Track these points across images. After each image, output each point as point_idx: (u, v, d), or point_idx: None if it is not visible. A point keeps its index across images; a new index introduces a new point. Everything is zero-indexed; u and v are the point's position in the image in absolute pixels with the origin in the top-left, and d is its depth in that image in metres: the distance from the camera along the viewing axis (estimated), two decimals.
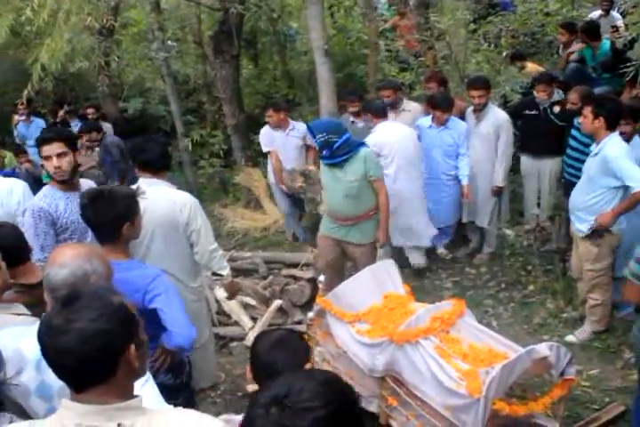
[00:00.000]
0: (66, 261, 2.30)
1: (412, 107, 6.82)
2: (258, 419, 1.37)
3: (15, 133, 9.80)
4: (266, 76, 12.47)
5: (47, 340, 1.66)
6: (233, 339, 5.68)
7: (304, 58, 12.09)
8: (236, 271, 6.42)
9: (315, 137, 5.03)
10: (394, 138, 5.95)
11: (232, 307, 5.82)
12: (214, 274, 5.22)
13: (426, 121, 6.45)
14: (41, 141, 3.75)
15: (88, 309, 1.67)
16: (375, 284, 4.49)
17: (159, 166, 4.02)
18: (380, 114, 6.04)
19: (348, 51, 11.71)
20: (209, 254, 4.13)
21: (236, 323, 5.80)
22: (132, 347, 1.71)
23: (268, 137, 7.34)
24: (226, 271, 4.34)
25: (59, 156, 3.68)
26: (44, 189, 3.78)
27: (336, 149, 4.97)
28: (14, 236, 2.93)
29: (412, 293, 4.53)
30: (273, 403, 1.37)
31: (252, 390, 4.65)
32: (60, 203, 3.71)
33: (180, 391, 3.47)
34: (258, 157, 9.03)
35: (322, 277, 4.86)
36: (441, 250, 6.98)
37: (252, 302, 5.94)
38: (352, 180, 5.08)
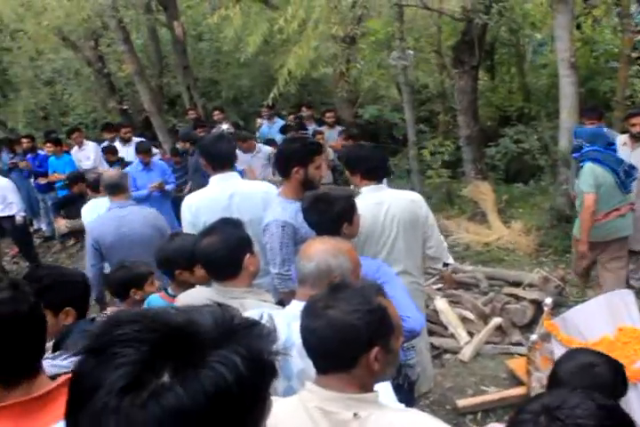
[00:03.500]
0: (314, 255, 2.39)
1: None
2: (524, 424, 1.35)
3: (257, 134, 10.50)
4: (501, 89, 12.19)
5: (304, 318, 1.78)
6: (447, 351, 5.60)
7: (543, 71, 11.65)
8: (456, 284, 6.33)
9: (575, 138, 5.58)
10: None
11: (450, 319, 5.74)
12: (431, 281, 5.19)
13: None
14: (316, 152, 3.72)
15: (347, 301, 1.74)
16: (609, 313, 4.18)
17: (382, 174, 4.06)
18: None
19: (592, 64, 11.08)
20: (441, 246, 4.21)
21: (452, 335, 5.70)
22: (376, 349, 1.73)
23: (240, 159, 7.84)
24: (452, 260, 4.47)
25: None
26: (280, 202, 3.67)
27: (581, 154, 5.36)
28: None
29: None
30: (543, 412, 1.35)
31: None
32: (299, 214, 3.69)
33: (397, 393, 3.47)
34: (489, 171, 8.85)
35: (548, 300, 4.66)
36: None
37: (471, 316, 5.81)
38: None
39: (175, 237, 3.46)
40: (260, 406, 0.92)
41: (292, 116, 10.70)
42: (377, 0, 9.50)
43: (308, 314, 1.78)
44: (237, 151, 7.93)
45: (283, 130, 10.15)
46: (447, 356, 5.56)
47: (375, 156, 4.04)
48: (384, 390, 1.95)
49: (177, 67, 12.51)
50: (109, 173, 5.28)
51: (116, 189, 4.77)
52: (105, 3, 10.08)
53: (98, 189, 5.81)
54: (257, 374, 0.88)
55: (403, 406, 2.06)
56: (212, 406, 0.81)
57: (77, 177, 8.02)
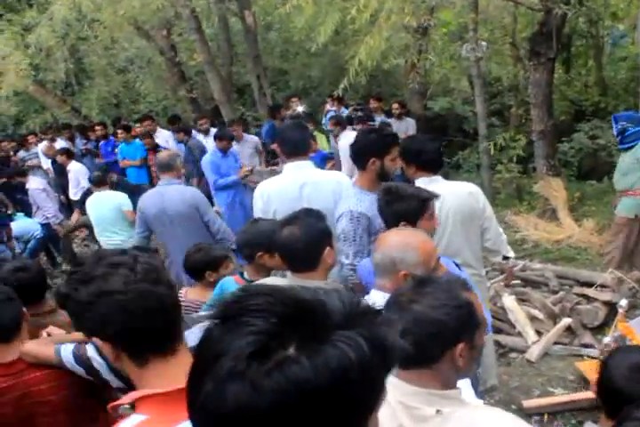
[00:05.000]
0: (383, 247, 2.38)
1: None
2: None
3: (323, 121, 10.51)
4: (577, 82, 11.83)
5: (388, 312, 1.73)
6: (513, 350, 5.47)
7: (623, 64, 11.25)
8: (525, 282, 6.19)
9: (616, 123, 5.99)
10: None
11: (518, 317, 5.61)
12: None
13: None
14: (392, 143, 3.68)
15: (433, 296, 1.71)
16: None
17: (437, 166, 3.97)
18: None
19: None
20: (499, 239, 4.10)
21: (519, 334, 5.58)
22: (461, 346, 1.70)
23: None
24: (512, 254, 4.31)
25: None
26: (355, 192, 3.67)
27: (627, 135, 5.86)
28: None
29: None
30: None
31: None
32: (374, 205, 3.60)
33: None
34: (561, 167, 8.62)
35: (623, 302, 4.50)
36: None
37: (540, 315, 5.66)
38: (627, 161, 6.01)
39: (258, 221, 3.48)
40: (375, 395, 0.92)
41: (351, 108, 10.67)
42: None
43: (392, 308, 1.74)
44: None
45: (349, 120, 10.11)
46: (513, 355, 5.43)
47: (430, 147, 3.94)
48: (463, 386, 1.90)
49: (247, 56, 12.61)
50: (163, 152, 5.87)
51: (166, 167, 5.26)
52: None
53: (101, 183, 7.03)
54: (379, 361, 0.88)
55: (482, 402, 2.00)
56: (333, 384, 0.83)
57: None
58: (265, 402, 0.80)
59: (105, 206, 6.95)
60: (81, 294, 1.49)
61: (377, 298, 1.96)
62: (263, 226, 3.32)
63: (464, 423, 1.62)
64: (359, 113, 10.30)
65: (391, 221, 3.03)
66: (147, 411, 1.42)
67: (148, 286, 1.49)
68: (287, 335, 0.83)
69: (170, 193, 5.15)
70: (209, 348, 0.87)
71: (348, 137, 7.00)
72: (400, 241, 2.43)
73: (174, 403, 1.32)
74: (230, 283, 3.43)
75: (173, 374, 1.43)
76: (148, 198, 5.24)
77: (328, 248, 2.75)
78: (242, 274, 3.46)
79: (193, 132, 9.87)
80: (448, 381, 1.74)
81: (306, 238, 2.69)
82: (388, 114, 9.92)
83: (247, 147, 8.97)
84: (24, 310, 2.72)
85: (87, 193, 8.39)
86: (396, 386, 1.72)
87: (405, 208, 3.02)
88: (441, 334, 1.67)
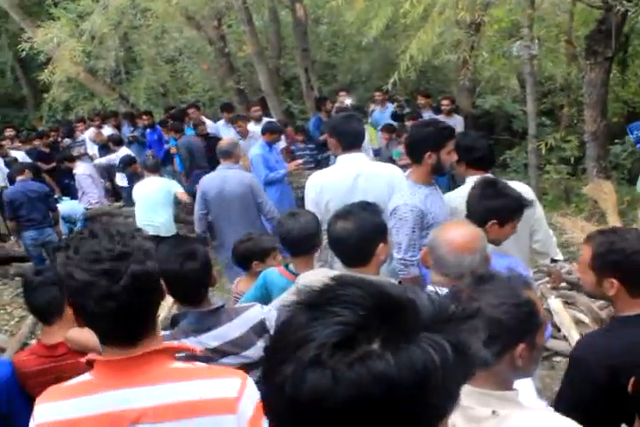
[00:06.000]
0: (451, 242, 2.36)
1: None
2: None
3: (369, 119, 10.45)
4: (632, 83, 11.54)
5: None
6: (558, 353, 5.37)
7: None
8: (571, 285, 6.06)
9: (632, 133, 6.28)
10: None
11: (564, 320, 5.50)
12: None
13: None
14: (449, 137, 3.58)
15: (494, 293, 1.64)
16: None
17: (489, 164, 3.90)
18: None
19: None
20: (549, 241, 4.00)
21: (564, 338, 5.47)
22: (522, 346, 1.64)
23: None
24: (560, 256, 4.22)
25: None
26: (410, 186, 3.57)
27: None
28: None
29: None
30: None
31: None
32: (428, 199, 3.58)
33: None
34: (612, 170, 8.42)
35: None
36: None
37: (585, 319, 5.55)
38: None
39: (296, 215, 3.42)
40: (450, 402, 0.89)
41: (395, 104, 10.58)
42: None
43: None
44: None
45: (394, 117, 10.04)
46: (558, 358, 5.34)
47: (482, 144, 3.86)
48: (526, 387, 1.84)
49: (296, 49, 12.59)
50: (223, 140, 6.49)
51: (226, 154, 5.92)
52: None
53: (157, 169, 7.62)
54: (460, 368, 0.88)
55: (544, 404, 1.92)
56: (414, 385, 0.81)
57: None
58: (342, 393, 0.80)
59: (156, 189, 7.39)
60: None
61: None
62: (305, 221, 3.29)
63: None
64: (405, 110, 10.26)
65: (479, 215, 2.94)
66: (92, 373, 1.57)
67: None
68: (374, 329, 0.83)
69: (229, 176, 5.78)
70: (292, 333, 0.86)
71: None
72: (470, 241, 2.40)
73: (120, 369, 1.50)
74: (274, 274, 3.40)
75: None
76: (210, 181, 5.87)
77: (382, 244, 2.68)
78: (287, 266, 3.43)
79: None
80: (505, 382, 1.68)
81: (359, 234, 2.63)
82: (437, 110, 9.80)
83: (255, 142, 8.75)
84: None
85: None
86: None
87: (502, 206, 2.95)
88: (501, 335, 1.60)
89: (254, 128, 9.32)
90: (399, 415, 0.82)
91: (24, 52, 12.04)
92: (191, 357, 1.70)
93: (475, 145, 3.81)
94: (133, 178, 9.00)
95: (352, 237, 2.62)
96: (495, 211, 2.94)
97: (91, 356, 1.60)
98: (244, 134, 8.87)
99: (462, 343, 0.88)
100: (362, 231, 2.62)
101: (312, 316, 0.85)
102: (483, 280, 1.71)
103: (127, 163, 9.33)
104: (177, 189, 7.56)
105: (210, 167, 7.93)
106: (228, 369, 1.72)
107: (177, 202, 7.74)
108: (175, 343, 1.73)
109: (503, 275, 1.77)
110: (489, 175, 3.79)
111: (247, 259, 3.73)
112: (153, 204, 7.32)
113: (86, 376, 1.58)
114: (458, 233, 2.43)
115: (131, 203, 8.26)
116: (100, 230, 1.51)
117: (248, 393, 1.54)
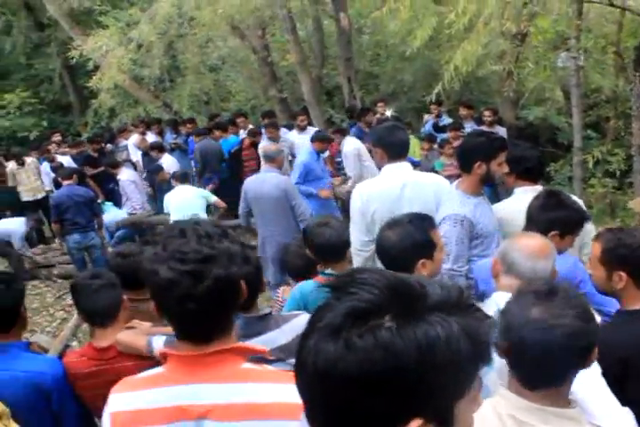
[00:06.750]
0: (525, 249, 2.38)
1: None
2: None
3: (422, 130, 10.43)
4: None
5: (528, 331, 1.62)
6: None
7: None
8: None
9: None
10: None
11: None
12: None
13: None
14: (500, 148, 3.55)
15: (568, 306, 1.62)
16: None
17: (538, 175, 3.86)
18: None
19: None
20: None
21: None
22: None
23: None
24: None
25: None
26: (458, 196, 3.55)
27: None
28: None
29: None
30: None
31: None
32: (477, 210, 3.54)
33: None
34: None
35: None
36: None
37: None
38: None
39: (328, 224, 3.46)
40: (460, 383, 0.95)
41: (432, 116, 10.55)
42: None
43: (531, 327, 1.63)
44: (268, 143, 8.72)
45: (436, 128, 10.01)
46: None
47: (531, 155, 3.82)
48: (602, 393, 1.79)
49: (338, 58, 12.62)
50: (269, 146, 6.94)
51: (269, 158, 6.40)
52: None
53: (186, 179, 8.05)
54: (468, 350, 0.92)
55: (627, 410, 1.84)
56: (419, 356, 0.88)
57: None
58: (353, 361, 0.88)
59: (191, 196, 7.76)
60: None
61: (502, 299, 1.85)
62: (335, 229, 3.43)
63: None
64: (443, 121, 10.24)
65: (541, 226, 2.91)
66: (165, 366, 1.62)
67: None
68: (385, 307, 0.92)
69: (267, 179, 6.24)
70: (320, 312, 0.97)
71: (350, 144, 8.18)
72: (544, 247, 2.41)
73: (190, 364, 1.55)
74: (309, 286, 3.42)
75: None
76: (251, 183, 6.37)
77: (423, 260, 2.63)
78: (324, 273, 3.45)
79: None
80: (566, 399, 1.65)
81: (400, 246, 2.61)
82: (479, 121, 9.72)
83: (284, 148, 8.90)
84: (124, 297, 2.76)
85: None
86: (507, 398, 1.64)
87: (565, 218, 2.95)
88: (584, 341, 1.59)
89: (299, 137, 9.38)
90: (406, 389, 0.89)
91: (73, 60, 12.31)
92: (258, 359, 1.70)
93: (524, 155, 3.77)
94: (162, 186, 9.23)
95: (393, 248, 2.61)
96: (558, 222, 2.93)
97: (165, 350, 1.66)
98: (275, 140, 9.01)
99: (471, 326, 0.94)
100: (402, 244, 2.60)
101: (335, 296, 0.96)
102: (551, 294, 1.67)
103: (155, 171, 9.60)
104: (211, 196, 8.03)
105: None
106: None
107: (208, 210, 8.02)
108: (248, 344, 1.74)
109: (569, 289, 1.73)
110: (538, 187, 3.75)
111: (300, 274, 3.79)
112: (191, 210, 7.38)
113: (159, 369, 1.64)
114: (532, 240, 2.45)
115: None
116: (189, 230, 1.54)
117: None
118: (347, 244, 3.40)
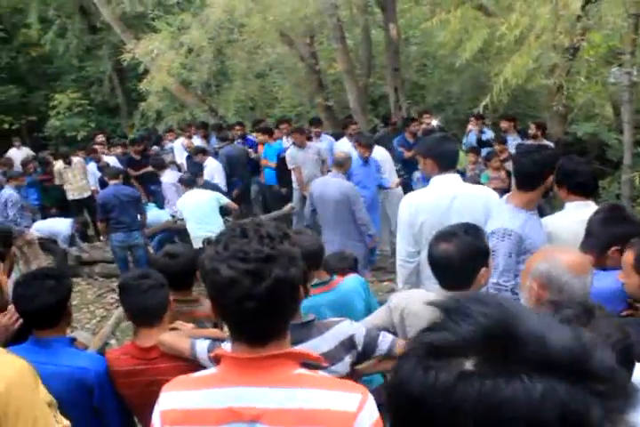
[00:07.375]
0: (570, 265, 2.31)
1: None
2: None
3: (464, 141, 10.34)
4: None
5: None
6: None
7: None
8: None
9: None
10: None
11: None
12: None
13: None
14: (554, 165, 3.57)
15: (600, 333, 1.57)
16: None
17: (591, 190, 3.76)
18: None
19: None
20: None
21: None
22: None
23: (292, 156, 9.11)
24: None
25: None
26: (509, 209, 3.47)
27: None
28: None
29: None
30: None
31: None
32: (527, 224, 3.45)
33: None
34: None
35: None
36: None
37: None
38: None
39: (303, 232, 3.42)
40: None
41: (475, 129, 10.47)
42: (609, 10, 8.91)
43: None
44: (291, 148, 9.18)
45: (479, 142, 9.92)
46: None
47: (584, 170, 3.71)
48: None
49: (386, 68, 12.61)
50: (340, 153, 7.17)
51: (338, 163, 6.79)
52: (329, 0, 10.35)
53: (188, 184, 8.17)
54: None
55: None
56: (484, 417, 0.76)
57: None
58: (416, 383, 0.82)
59: (205, 199, 7.83)
60: None
61: None
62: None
63: None
64: (486, 134, 10.14)
65: (602, 240, 2.87)
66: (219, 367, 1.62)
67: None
68: (473, 348, 0.81)
69: (330, 183, 6.65)
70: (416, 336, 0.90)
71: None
72: (583, 263, 2.36)
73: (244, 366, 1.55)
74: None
75: None
76: (317, 185, 6.83)
77: (484, 268, 2.64)
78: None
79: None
80: None
81: (461, 257, 2.57)
82: (524, 135, 9.61)
83: (311, 153, 9.10)
84: (171, 298, 2.78)
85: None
86: None
87: (627, 232, 2.84)
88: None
89: (349, 145, 9.38)
90: None
91: (124, 63, 12.52)
92: (309, 365, 1.69)
93: (577, 170, 3.67)
94: None
95: (454, 259, 2.57)
96: (620, 237, 2.84)
97: (220, 351, 1.65)
98: (301, 145, 9.04)
99: (577, 402, 0.74)
100: (463, 254, 2.57)
101: (436, 322, 0.87)
102: (589, 314, 1.63)
103: (196, 173, 9.65)
104: (224, 198, 8.08)
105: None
106: (350, 383, 1.69)
107: (222, 212, 8.05)
108: (303, 350, 1.72)
109: (603, 313, 1.68)
110: (590, 202, 3.67)
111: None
112: (205, 213, 7.70)
113: (213, 369, 1.66)
114: (570, 254, 2.39)
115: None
116: (251, 231, 1.53)
117: (367, 409, 1.51)
118: (322, 251, 3.24)
